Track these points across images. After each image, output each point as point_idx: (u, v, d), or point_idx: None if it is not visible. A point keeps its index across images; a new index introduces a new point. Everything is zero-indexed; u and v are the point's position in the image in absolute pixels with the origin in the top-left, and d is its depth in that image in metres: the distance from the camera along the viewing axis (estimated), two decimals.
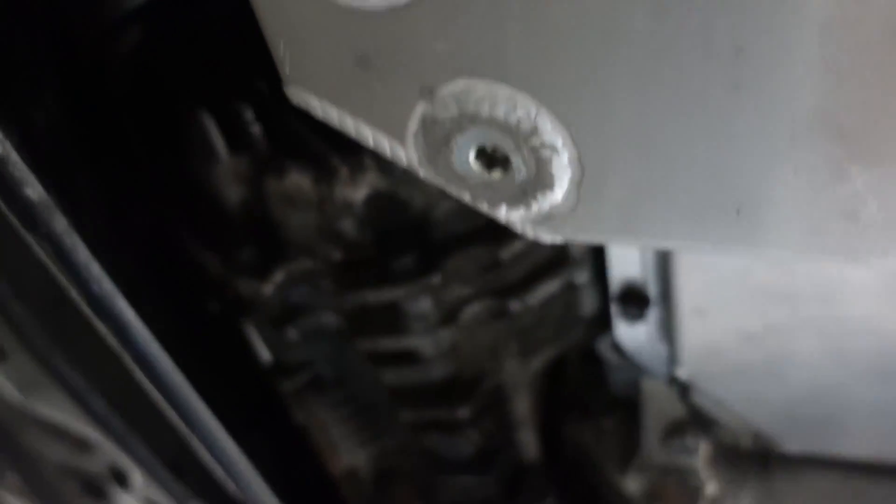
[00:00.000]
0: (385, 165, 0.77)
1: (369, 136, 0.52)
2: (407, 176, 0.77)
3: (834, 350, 0.79)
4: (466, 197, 0.53)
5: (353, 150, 0.77)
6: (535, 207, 0.51)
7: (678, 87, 0.42)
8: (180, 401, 0.87)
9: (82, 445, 1.14)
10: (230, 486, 0.99)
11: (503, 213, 0.52)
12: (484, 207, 0.53)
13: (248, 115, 0.78)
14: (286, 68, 0.50)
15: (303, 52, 0.49)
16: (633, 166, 0.47)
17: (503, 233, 0.82)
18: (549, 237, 0.53)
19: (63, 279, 0.71)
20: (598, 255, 0.87)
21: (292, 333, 0.89)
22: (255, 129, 0.79)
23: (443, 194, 0.79)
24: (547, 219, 0.52)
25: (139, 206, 0.88)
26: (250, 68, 0.79)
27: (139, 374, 0.82)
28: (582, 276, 0.89)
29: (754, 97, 0.41)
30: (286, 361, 0.95)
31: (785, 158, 0.43)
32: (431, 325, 0.84)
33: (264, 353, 0.94)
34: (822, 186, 0.43)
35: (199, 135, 0.81)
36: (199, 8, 0.84)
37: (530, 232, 0.53)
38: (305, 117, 0.80)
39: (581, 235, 0.52)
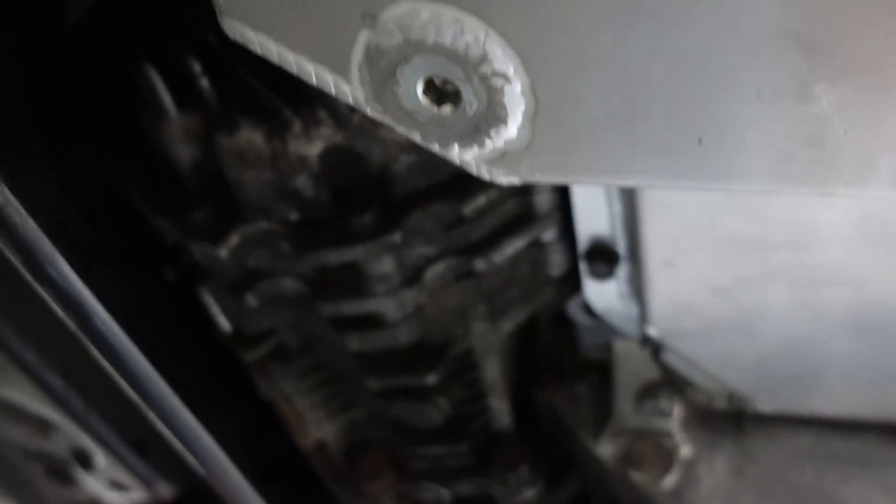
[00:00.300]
0: (341, 118, 0.73)
1: (311, 71, 0.49)
2: (364, 129, 0.73)
3: (806, 302, 0.77)
4: (417, 136, 0.50)
5: (306, 103, 0.74)
6: (488, 145, 0.48)
7: (633, 3, 0.40)
8: (139, 377, 0.84)
9: (43, 427, 1.10)
10: (196, 464, 0.96)
11: (456, 153, 0.50)
12: (435, 147, 0.50)
13: (196, 68, 0.75)
14: None
15: None
16: (589, 96, 0.44)
17: (466, 188, 0.79)
18: (504, 178, 0.50)
19: (12, 256, 0.67)
20: (565, 212, 0.85)
21: (251, 300, 0.86)
22: (204, 82, 0.75)
23: (401, 148, 0.76)
24: (502, 158, 0.49)
25: (90, 172, 0.84)
26: (197, 17, 0.75)
27: (95, 352, 0.79)
28: (549, 234, 0.86)
29: (713, 9, 0.38)
30: (247, 331, 0.92)
31: (746, 78, 0.40)
32: (394, 287, 0.81)
33: (224, 323, 0.91)
34: (786, 109, 0.41)
35: (146, 91, 0.77)
36: None
37: (485, 172, 0.50)
38: (257, 69, 0.76)
39: (537, 175, 0.49)
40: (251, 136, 0.75)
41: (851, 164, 0.42)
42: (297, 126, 0.74)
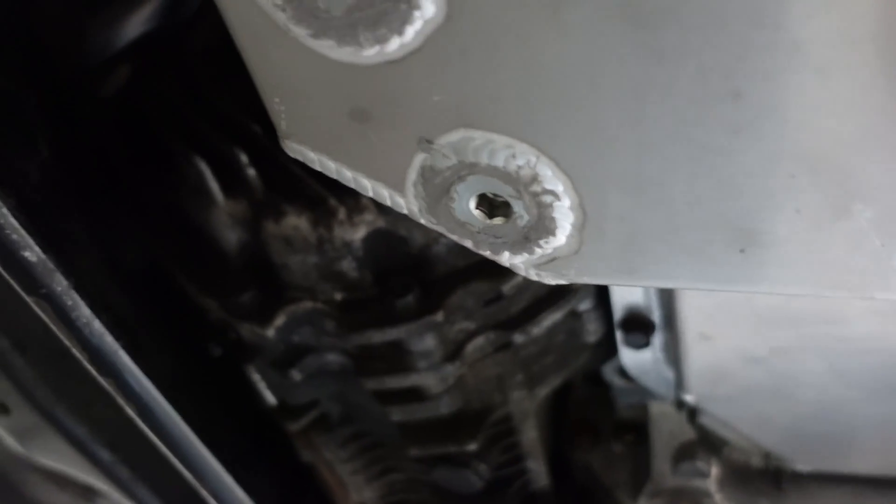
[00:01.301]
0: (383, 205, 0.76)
1: (368, 186, 0.52)
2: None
3: (840, 369, 0.78)
4: (469, 244, 0.52)
5: (350, 191, 0.77)
6: (538, 252, 0.51)
7: (677, 132, 0.42)
8: (184, 448, 0.86)
9: (88, 493, 1.12)
10: None
11: (506, 259, 0.52)
12: (487, 254, 0.53)
13: (243, 158, 0.78)
14: (282, 124, 0.50)
15: (298, 107, 0.49)
16: (635, 210, 0.47)
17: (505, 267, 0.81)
18: (552, 280, 0.53)
19: (63, 336, 0.70)
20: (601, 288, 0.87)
21: (296, 374, 0.89)
22: (251, 171, 0.79)
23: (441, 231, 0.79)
24: (550, 262, 0.52)
25: (136, 252, 0.87)
26: (244, 111, 0.79)
27: (141, 424, 0.82)
28: (585, 304, 0.89)
29: (753, 139, 0.41)
30: (291, 403, 0.95)
31: (786, 198, 0.43)
32: (436, 362, 0.83)
33: (270, 397, 0.93)
34: (825, 224, 0.43)
35: (194, 179, 0.80)
36: (187, 49, 0.84)
37: (534, 275, 0.53)
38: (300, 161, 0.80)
39: (584, 278, 0.52)
40: (297, 223, 0.78)
41: (889, 273, 0.44)
42: (341, 213, 0.77)
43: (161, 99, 0.84)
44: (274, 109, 0.49)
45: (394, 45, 0.43)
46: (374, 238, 0.78)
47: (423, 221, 0.52)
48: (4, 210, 0.53)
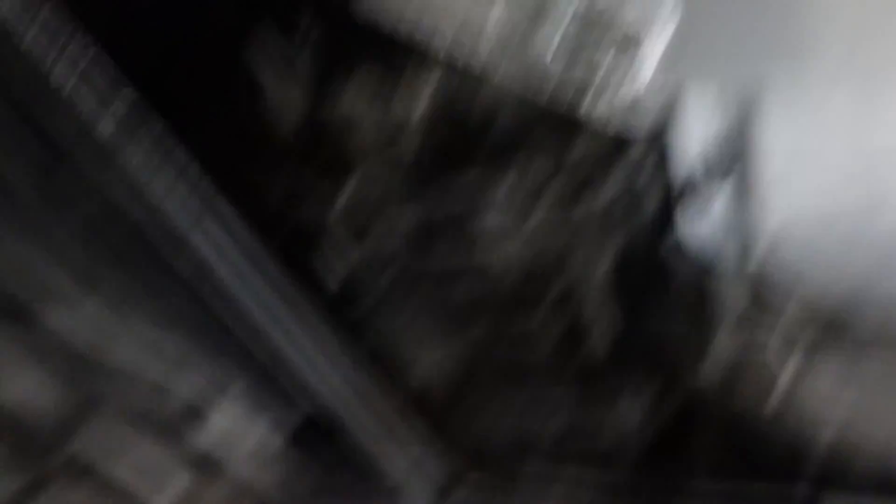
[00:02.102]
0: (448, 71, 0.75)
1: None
2: (469, 86, 0.76)
3: None
4: None
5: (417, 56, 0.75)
6: None
7: None
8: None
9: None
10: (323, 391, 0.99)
11: None
12: None
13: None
14: None
15: None
16: None
17: (567, 137, 0.81)
18: None
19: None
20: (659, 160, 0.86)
21: (357, 257, 0.90)
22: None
23: (504, 102, 0.78)
24: None
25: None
26: None
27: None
28: (643, 179, 0.88)
29: None
30: (351, 291, 0.96)
31: None
32: (503, 230, 0.84)
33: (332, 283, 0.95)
34: None
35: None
36: None
37: None
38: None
39: None
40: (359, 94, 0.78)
41: None
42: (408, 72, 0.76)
43: None
44: None
45: None
46: (437, 102, 0.76)
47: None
48: None
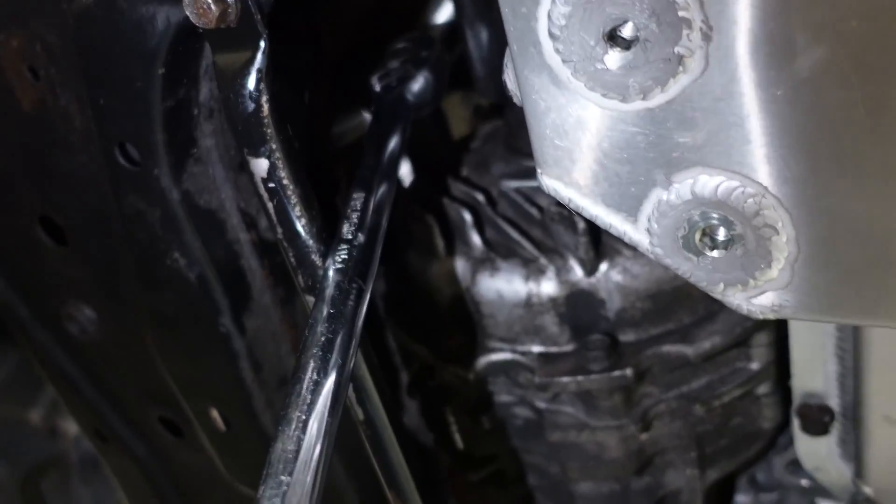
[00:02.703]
0: (587, 267, 0.86)
1: (605, 219, 0.62)
2: (608, 277, 0.86)
3: None
4: (689, 276, 0.61)
5: (558, 253, 0.88)
6: (750, 284, 0.59)
7: (890, 173, 0.51)
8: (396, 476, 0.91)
9: None
10: None
11: (720, 291, 0.61)
12: (703, 285, 0.61)
13: (468, 219, 0.91)
14: (543, 160, 0.62)
15: (558, 146, 0.60)
16: (844, 246, 0.55)
17: (693, 335, 0.88)
18: (760, 312, 0.60)
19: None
20: (781, 367, 0.92)
21: (486, 422, 0.97)
22: (473, 232, 0.91)
23: (639, 297, 0.87)
24: (760, 295, 0.59)
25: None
26: (467, 180, 0.93)
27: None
28: (764, 387, 0.93)
29: None
30: (475, 453, 1.03)
31: None
32: (620, 421, 0.90)
33: (458, 441, 1.02)
34: None
35: (422, 234, 0.94)
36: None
37: (745, 308, 0.61)
38: (516, 226, 0.92)
39: (791, 312, 0.59)
40: (511, 278, 0.89)
41: None
42: (550, 271, 0.88)
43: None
44: (538, 147, 0.61)
45: (655, 97, 0.54)
46: (576, 297, 0.87)
47: (649, 253, 0.62)
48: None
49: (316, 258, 0.71)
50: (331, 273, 0.67)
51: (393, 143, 0.83)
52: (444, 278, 0.93)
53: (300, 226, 0.70)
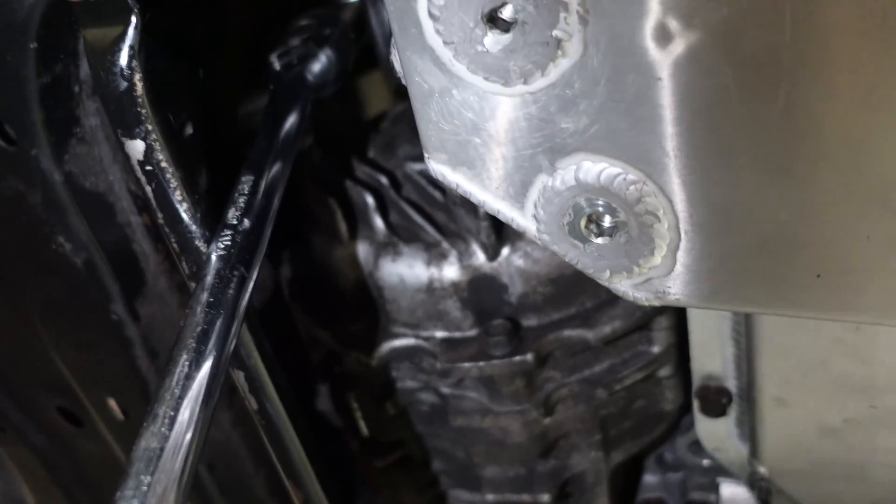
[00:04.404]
0: (490, 251, 0.85)
1: (493, 205, 0.61)
2: (510, 262, 0.85)
3: None
4: (575, 262, 0.61)
5: (461, 237, 0.86)
6: (635, 271, 0.59)
7: (765, 161, 0.51)
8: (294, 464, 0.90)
9: None
10: None
11: (606, 277, 0.60)
12: (590, 272, 0.61)
13: (371, 202, 0.89)
14: (429, 144, 0.60)
15: (443, 129, 0.59)
16: (723, 234, 0.54)
17: (593, 320, 0.88)
18: (646, 300, 0.60)
19: None
20: (682, 350, 0.93)
21: (390, 408, 0.96)
22: (376, 216, 0.89)
23: (540, 281, 0.87)
24: (646, 282, 0.59)
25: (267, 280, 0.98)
26: (371, 162, 0.91)
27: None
28: (666, 370, 0.94)
29: (831, 169, 0.49)
30: (381, 439, 1.02)
31: (859, 225, 0.50)
32: (523, 406, 0.90)
33: (363, 428, 1.00)
34: (892, 252, 0.50)
35: (325, 218, 0.91)
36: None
37: (631, 295, 0.61)
38: (419, 207, 0.90)
39: (675, 298, 0.59)
40: (413, 263, 0.88)
41: None
42: (452, 256, 0.86)
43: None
44: (424, 130, 0.60)
45: (536, 80, 0.53)
46: (478, 282, 0.86)
47: (537, 239, 0.61)
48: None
49: (200, 244, 0.68)
50: (213, 260, 0.64)
51: (289, 124, 0.81)
52: (347, 263, 0.91)
53: (182, 210, 0.67)
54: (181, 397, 0.53)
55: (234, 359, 0.77)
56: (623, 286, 0.60)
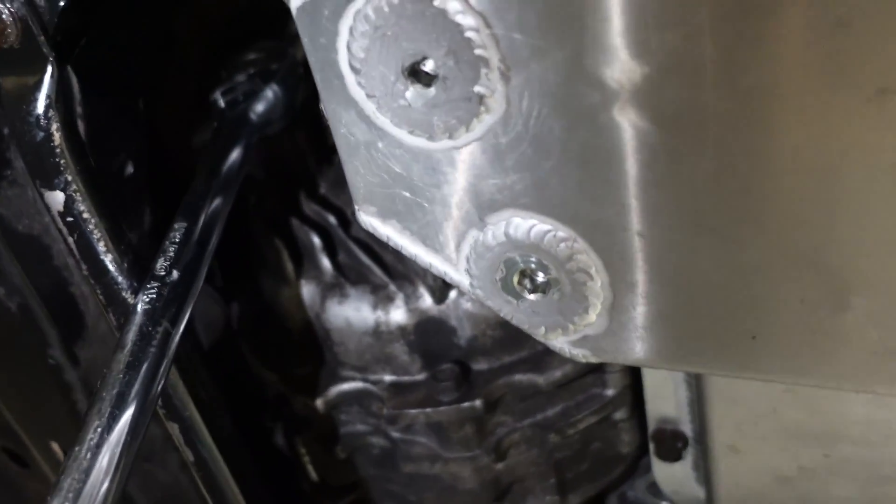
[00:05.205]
0: (437, 295, 0.83)
1: (426, 260, 0.59)
2: (458, 305, 0.83)
3: (870, 497, 0.79)
4: (510, 318, 0.59)
5: (409, 280, 0.84)
6: (570, 329, 0.57)
7: (696, 226, 0.49)
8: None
9: None
10: None
11: (542, 334, 0.58)
12: (525, 327, 0.59)
13: (317, 243, 0.87)
14: (358, 196, 0.58)
15: (371, 182, 0.57)
16: (658, 294, 0.53)
17: (544, 364, 0.86)
18: (583, 357, 0.58)
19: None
20: (638, 393, 0.91)
21: (340, 453, 0.93)
22: (323, 256, 0.87)
23: (489, 325, 0.85)
24: (581, 339, 0.57)
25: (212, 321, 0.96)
26: (321, 202, 0.88)
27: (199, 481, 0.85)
28: (621, 413, 0.92)
29: (758, 232, 0.47)
30: (332, 482, 0.99)
31: (791, 289, 0.48)
32: (474, 452, 0.87)
33: (312, 473, 0.98)
34: (827, 315, 0.48)
35: (272, 258, 0.89)
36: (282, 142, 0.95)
37: (567, 352, 0.59)
38: (367, 248, 0.88)
39: (612, 357, 0.57)
40: (359, 305, 0.85)
41: (887, 367, 0.49)
42: (399, 299, 0.84)
43: (251, 179, 0.95)
44: (352, 182, 0.58)
45: (461, 136, 0.51)
46: (426, 325, 0.84)
47: (471, 294, 0.59)
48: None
49: (127, 295, 0.66)
50: (137, 314, 0.61)
51: (229, 164, 0.79)
52: (294, 304, 0.89)
53: (108, 261, 0.65)
54: (89, 469, 0.50)
55: (168, 410, 0.74)
56: (559, 343, 0.58)
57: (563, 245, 0.53)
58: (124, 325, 0.62)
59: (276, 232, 0.89)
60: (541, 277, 0.55)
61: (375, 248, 0.88)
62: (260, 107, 0.85)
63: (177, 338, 0.62)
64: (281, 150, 0.97)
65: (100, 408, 0.54)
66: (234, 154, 0.80)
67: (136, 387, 0.56)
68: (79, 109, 0.74)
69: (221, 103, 0.86)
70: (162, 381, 0.59)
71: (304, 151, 1.00)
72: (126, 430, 0.54)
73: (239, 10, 1.04)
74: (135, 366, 0.57)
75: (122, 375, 0.56)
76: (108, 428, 0.53)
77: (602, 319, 0.55)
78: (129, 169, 0.84)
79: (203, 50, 1.02)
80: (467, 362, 0.85)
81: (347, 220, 0.91)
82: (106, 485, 0.51)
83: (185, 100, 1.01)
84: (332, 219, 0.90)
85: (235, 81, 0.88)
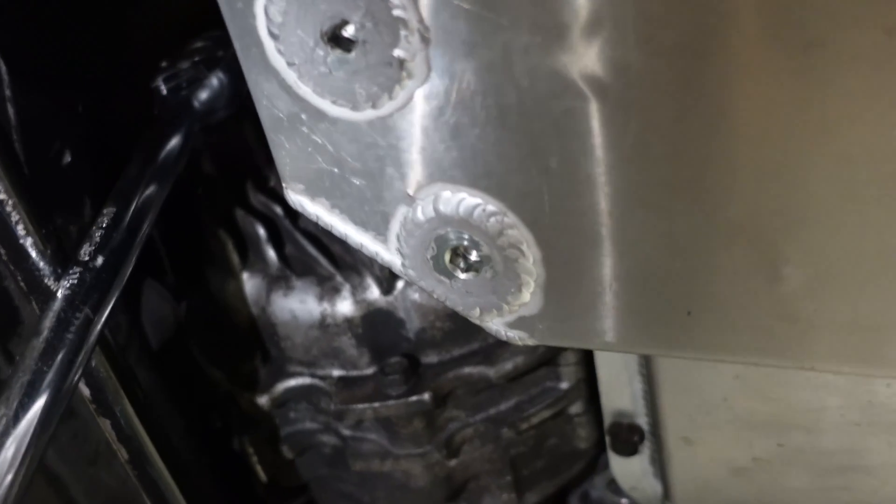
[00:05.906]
0: (385, 285, 0.81)
1: (357, 239, 0.57)
2: (406, 296, 0.81)
3: (823, 487, 0.78)
4: (444, 299, 0.56)
5: (356, 270, 0.82)
6: (505, 309, 0.55)
7: (624, 196, 0.47)
8: None
9: None
10: None
11: (477, 315, 0.56)
12: (459, 309, 0.56)
13: (262, 234, 0.85)
14: (285, 173, 0.56)
15: (299, 158, 0.55)
16: (591, 269, 0.51)
17: (495, 356, 0.84)
18: (519, 339, 0.56)
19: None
20: (593, 386, 0.89)
21: (288, 452, 0.91)
22: (268, 248, 0.85)
23: (438, 316, 0.83)
24: (517, 320, 0.55)
25: (162, 319, 0.93)
26: (267, 192, 0.86)
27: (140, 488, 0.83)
28: (576, 407, 0.90)
29: (691, 201, 0.45)
30: (282, 483, 0.96)
31: (724, 260, 0.46)
32: (424, 449, 0.85)
33: (261, 474, 0.95)
34: (760, 287, 0.46)
35: (217, 252, 0.87)
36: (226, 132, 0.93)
37: (503, 334, 0.56)
38: (314, 238, 0.86)
39: (548, 338, 0.55)
40: (304, 297, 0.83)
41: (825, 341, 0.47)
42: (345, 290, 0.82)
43: (199, 170, 0.92)
44: (278, 158, 0.55)
45: (384, 104, 0.49)
46: (374, 317, 0.82)
47: (403, 274, 0.57)
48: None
49: (50, 282, 0.63)
50: (56, 300, 0.59)
51: (165, 153, 0.76)
52: (239, 298, 0.86)
53: (28, 245, 0.62)
54: None
55: (98, 405, 0.71)
56: (495, 325, 0.56)
57: (493, 219, 0.51)
58: (43, 311, 0.59)
59: (222, 224, 0.87)
60: (473, 256, 0.53)
61: (323, 239, 0.85)
62: (203, 94, 0.83)
63: (98, 326, 0.59)
64: (229, 141, 0.94)
65: (7, 396, 0.51)
66: (174, 141, 0.77)
67: (50, 376, 0.54)
68: (7, 93, 0.72)
69: (164, 90, 0.83)
70: (79, 371, 0.56)
71: (252, 142, 0.97)
72: (35, 422, 0.51)
73: (198, 6, 1.02)
74: (49, 353, 0.55)
75: (34, 363, 0.54)
76: (16, 418, 0.50)
77: (536, 299, 0.53)
78: (67, 158, 0.81)
79: (160, 46, 1.00)
80: (416, 355, 0.83)
81: (295, 211, 0.88)
82: (10, 477, 0.48)
83: (138, 94, 0.98)
84: (279, 210, 0.87)
85: (179, 68, 0.85)
